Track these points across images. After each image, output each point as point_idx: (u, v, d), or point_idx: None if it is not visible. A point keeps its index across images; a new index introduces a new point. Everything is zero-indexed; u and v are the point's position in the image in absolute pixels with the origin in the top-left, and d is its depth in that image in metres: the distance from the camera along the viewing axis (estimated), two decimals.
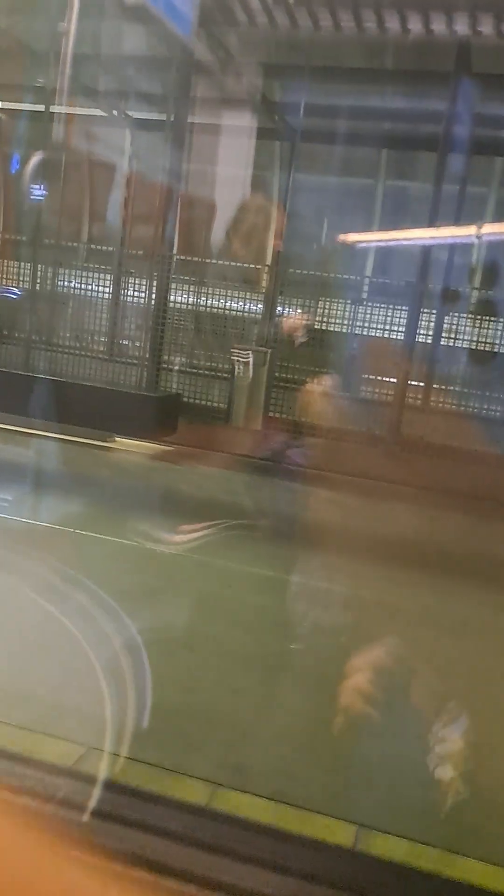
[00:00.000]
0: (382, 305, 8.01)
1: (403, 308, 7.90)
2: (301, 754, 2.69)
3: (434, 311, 8.19)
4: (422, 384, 8.22)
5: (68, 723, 2.56)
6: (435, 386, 8.32)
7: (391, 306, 7.93)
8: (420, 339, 8.10)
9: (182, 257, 9.57)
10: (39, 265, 8.90)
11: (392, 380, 8.00)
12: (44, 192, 8.89)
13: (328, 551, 5.06)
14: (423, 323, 8.07)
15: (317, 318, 8.27)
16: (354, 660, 3.11)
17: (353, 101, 9.53)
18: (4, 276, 9.42)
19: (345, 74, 9.32)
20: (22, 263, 9.27)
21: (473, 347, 8.12)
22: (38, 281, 8.90)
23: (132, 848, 0.40)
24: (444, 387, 8.41)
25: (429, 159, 9.43)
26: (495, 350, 7.98)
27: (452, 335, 8.20)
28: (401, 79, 9.39)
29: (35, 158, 8.93)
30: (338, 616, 4.05)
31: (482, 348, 8.05)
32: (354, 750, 2.79)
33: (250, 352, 7.94)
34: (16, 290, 9.36)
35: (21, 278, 9.29)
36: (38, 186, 8.92)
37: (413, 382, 8.10)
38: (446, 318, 8.27)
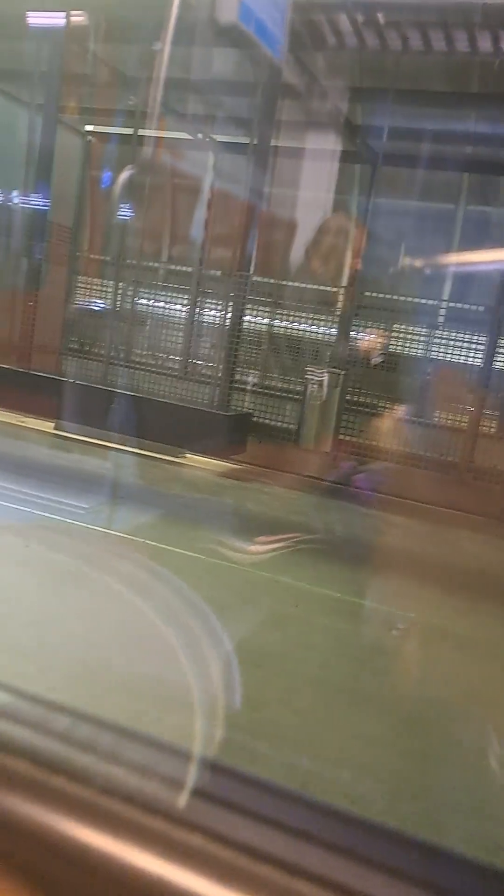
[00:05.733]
0: (459, 331, 7.89)
1: (480, 334, 7.76)
2: (362, 775, 2.63)
3: None
4: (497, 413, 8.04)
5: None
6: None
7: (468, 332, 7.80)
8: (497, 367, 7.94)
9: (259, 278, 9.66)
10: (120, 284, 9.13)
11: (466, 407, 7.85)
12: (129, 213, 9.13)
13: (396, 576, 4.97)
14: (500, 350, 7.91)
15: (392, 342, 8.20)
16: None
17: (436, 124, 9.49)
18: (89, 293, 9.71)
19: (429, 97, 9.29)
20: (104, 282, 9.54)
21: None
22: (119, 299, 9.12)
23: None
24: None
25: None
26: None
27: None
28: (486, 102, 9.30)
29: (121, 181, 9.20)
30: (403, 640, 3.97)
31: None
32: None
33: (325, 373, 7.92)
34: (100, 306, 9.63)
35: (103, 296, 9.55)
36: (124, 208, 9.17)
37: (488, 411, 7.93)
38: None
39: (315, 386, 7.95)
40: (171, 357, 9.47)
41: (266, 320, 8.90)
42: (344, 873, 0.42)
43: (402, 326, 8.18)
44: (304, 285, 9.38)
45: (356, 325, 8.33)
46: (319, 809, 0.49)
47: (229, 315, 8.52)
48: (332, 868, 0.42)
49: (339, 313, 8.80)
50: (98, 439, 7.46)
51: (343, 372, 8.01)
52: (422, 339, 8.22)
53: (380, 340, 8.21)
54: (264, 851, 0.42)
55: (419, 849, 0.47)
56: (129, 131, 9.93)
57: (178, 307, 9.29)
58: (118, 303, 9.13)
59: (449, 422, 8.01)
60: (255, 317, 8.85)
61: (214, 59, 8.70)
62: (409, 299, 8.97)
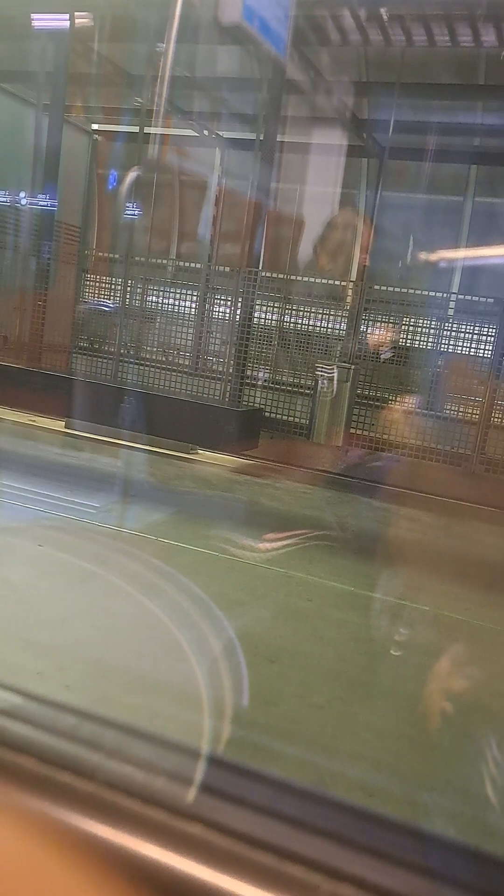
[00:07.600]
0: (468, 323, 7.87)
1: (490, 326, 7.74)
2: (379, 772, 2.65)
3: None
4: None
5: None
6: None
7: (478, 324, 7.79)
8: None
9: (267, 274, 9.66)
10: (129, 281, 9.16)
11: (477, 399, 7.85)
12: (136, 210, 9.14)
13: (408, 568, 4.98)
14: None
15: (401, 336, 8.20)
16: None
17: (442, 117, 9.45)
18: (98, 291, 9.74)
19: (434, 90, 9.25)
20: (113, 280, 9.57)
21: None
22: (128, 297, 9.15)
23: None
24: None
25: None
26: None
27: None
28: (492, 93, 9.26)
29: (128, 178, 9.24)
30: (417, 633, 3.99)
31: None
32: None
33: (335, 367, 7.93)
34: (109, 304, 9.67)
35: (113, 294, 9.58)
36: (131, 205, 9.19)
37: (499, 402, 7.91)
38: None
39: (325, 381, 7.96)
40: (182, 354, 9.50)
41: (276, 316, 8.91)
42: (336, 858, 0.44)
43: (412, 320, 8.17)
44: (312, 280, 9.37)
45: (365, 320, 8.32)
46: (312, 798, 0.52)
47: (239, 311, 8.53)
48: (325, 853, 0.45)
49: (347, 308, 8.80)
50: (109, 437, 7.50)
51: (353, 366, 8.02)
52: (431, 331, 8.20)
53: (389, 334, 8.20)
54: (260, 839, 0.45)
55: (410, 833, 0.50)
56: (136, 129, 9.94)
57: (188, 304, 9.31)
58: (127, 300, 9.15)
59: (460, 414, 8.01)
60: (265, 313, 8.86)
61: (219, 57, 8.70)
62: (418, 292, 8.95)
